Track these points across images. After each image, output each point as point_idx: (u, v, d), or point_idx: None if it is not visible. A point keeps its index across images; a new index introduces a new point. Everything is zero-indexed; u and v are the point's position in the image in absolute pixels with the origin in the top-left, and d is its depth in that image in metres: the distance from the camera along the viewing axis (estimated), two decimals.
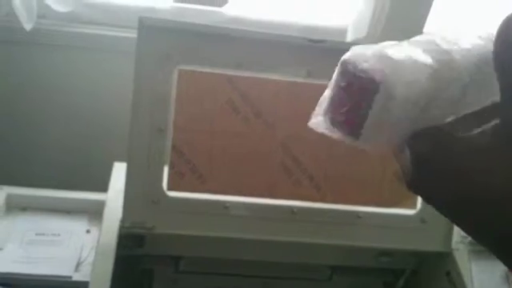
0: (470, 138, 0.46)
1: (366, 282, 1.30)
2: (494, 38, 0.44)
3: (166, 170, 1.09)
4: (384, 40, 0.48)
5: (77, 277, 1.10)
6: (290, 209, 1.13)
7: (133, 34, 1.07)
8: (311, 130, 0.48)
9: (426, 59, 0.46)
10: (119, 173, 1.18)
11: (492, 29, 0.48)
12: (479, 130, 0.50)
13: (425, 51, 0.46)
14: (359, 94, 0.45)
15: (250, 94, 1.10)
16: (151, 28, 1.03)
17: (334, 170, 1.15)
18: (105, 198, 1.17)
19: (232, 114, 1.10)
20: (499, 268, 0.45)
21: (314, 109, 0.48)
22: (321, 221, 1.14)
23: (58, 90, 1.58)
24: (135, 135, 1.06)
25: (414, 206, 1.17)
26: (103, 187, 1.20)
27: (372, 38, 1.40)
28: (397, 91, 0.43)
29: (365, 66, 0.45)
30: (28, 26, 1.42)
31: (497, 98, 0.48)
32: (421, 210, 1.16)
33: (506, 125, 0.45)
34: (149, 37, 1.03)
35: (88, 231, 1.21)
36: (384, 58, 0.45)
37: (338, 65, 0.46)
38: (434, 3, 1.43)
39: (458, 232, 1.20)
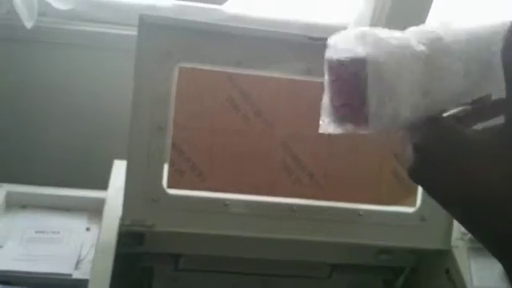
0: (471, 135, 0.47)
1: (366, 279, 1.30)
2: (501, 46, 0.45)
3: (166, 167, 1.09)
4: None
5: (77, 274, 1.10)
6: (290, 206, 1.13)
7: (134, 32, 1.07)
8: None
9: (411, 38, 0.46)
10: (119, 170, 1.18)
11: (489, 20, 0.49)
12: (479, 127, 0.50)
13: (414, 37, 0.46)
14: (351, 79, 0.45)
15: (250, 91, 1.10)
16: (152, 26, 1.03)
17: (334, 168, 1.16)
18: (105, 195, 1.17)
19: (232, 112, 1.10)
20: (498, 265, 0.45)
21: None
22: (320, 218, 1.14)
23: (59, 88, 1.58)
24: (135, 133, 1.06)
25: (413, 203, 1.17)
26: (103, 185, 1.20)
27: None
28: (383, 58, 0.44)
29: (346, 48, 0.45)
30: (29, 24, 1.42)
31: (496, 90, 0.49)
32: (420, 208, 1.16)
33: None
34: (149, 34, 1.03)
35: (88, 229, 1.22)
36: (363, 35, 0.45)
37: (325, 64, 0.47)
38: (434, 1, 1.43)
39: (457, 230, 1.21)
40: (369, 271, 1.29)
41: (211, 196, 1.11)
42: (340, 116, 0.47)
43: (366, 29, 0.45)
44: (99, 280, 1.02)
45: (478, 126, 0.53)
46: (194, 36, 1.05)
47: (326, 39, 0.48)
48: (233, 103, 1.10)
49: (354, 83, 0.45)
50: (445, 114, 0.51)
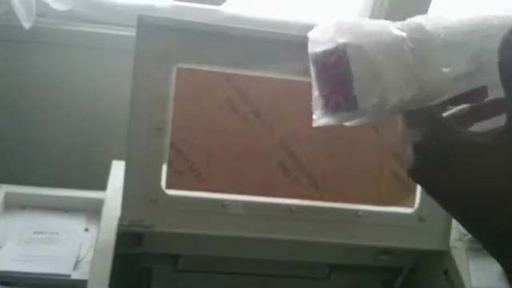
0: (471, 136, 0.47)
1: (365, 280, 1.30)
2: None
3: (164, 168, 1.09)
4: None
5: (75, 275, 1.10)
6: (289, 207, 1.13)
7: (132, 33, 1.07)
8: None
9: (389, 25, 0.46)
10: (118, 171, 1.18)
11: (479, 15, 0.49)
12: (474, 127, 0.50)
13: (393, 24, 0.47)
14: (335, 67, 0.45)
15: (248, 92, 1.10)
16: (150, 26, 1.03)
17: (332, 168, 1.16)
18: (103, 196, 1.17)
19: (231, 113, 1.10)
20: (497, 266, 0.45)
21: (312, 108, 0.48)
22: (319, 219, 1.15)
23: (57, 89, 1.58)
24: (134, 133, 1.06)
25: (412, 204, 1.17)
26: (102, 185, 1.20)
27: None
28: (362, 42, 0.44)
29: (326, 40, 0.46)
30: (27, 25, 1.42)
31: (489, 82, 0.49)
32: (419, 209, 1.16)
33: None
34: (148, 35, 1.03)
35: (86, 229, 1.21)
36: (340, 24, 0.46)
37: (310, 61, 0.47)
38: (432, 2, 1.44)
39: (455, 230, 1.21)
40: (367, 272, 1.30)
41: (210, 196, 1.11)
42: (331, 106, 0.47)
43: (343, 18, 0.46)
44: (98, 280, 1.02)
45: (476, 126, 0.53)
46: (192, 37, 1.05)
47: None
48: (231, 104, 1.10)
49: (338, 71, 0.45)
50: (444, 115, 0.51)
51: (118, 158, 1.21)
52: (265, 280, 1.26)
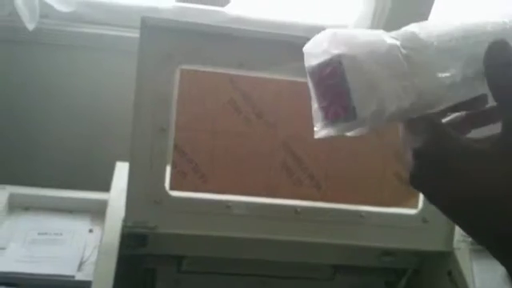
0: (470, 142, 0.47)
1: (368, 281, 1.30)
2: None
3: (168, 169, 1.09)
4: None
5: (79, 276, 1.10)
6: (293, 208, 1.13)
7: (135, 34, 1.07)
8: (312, 130, 0.49)
9: (382, 34, 0.47)
10: (121, 172, 1.18)
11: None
12: (471, 134, 0.51)
13: (386, 34, 0.47)
14: (332, 79, 0.46)
15: (251, 93, 1.10)
16: (154, 28, 1.04)
17: (335, 169, 1.16)
18: (107, 197, 1.17)
19: (234, 114, 1.10)
20: (501, 267, 0.45)
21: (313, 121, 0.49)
22: (323, 220, 1.15)
23: (61, 90, 1.59)
24: (137, 135, 1.06)
25: (415, 205, 1.17)
26: (106, 187, 1.20)
27: None
28: (356, 52, 0.45)
29: (321, 52, 0.46)
30: (30, 26, 1.42)
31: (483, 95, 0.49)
32: (422, 210, 1.16)
33: (509, 136, 0.46)
34: (151, 36, 1.04)
35: (91, 230, 1.22)
36: (333, 35, 0.46)
37: (307, 75, 0.48)
38: (434, 3, 1.44)
39: (459, 231, 1.21)
40: (371, 273, 1.30)
41: (213, 198, 1.11)
42: (330, 117, 0.47)
43: (336, 29, 0.46)
44: (102, 282, 1.02)
45: (473, 133, 0.54)
46: (195, 38, 1.05)
47: None
48: (234, 105, 1.10)
49: (334, 82, 0.46)
50: (443, 121, 0.52)
51: (122, 160, 1.22)
52: (268, 281, 1.27)
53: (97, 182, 1.23)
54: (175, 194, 1.10)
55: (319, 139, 0.50)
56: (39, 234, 1.19)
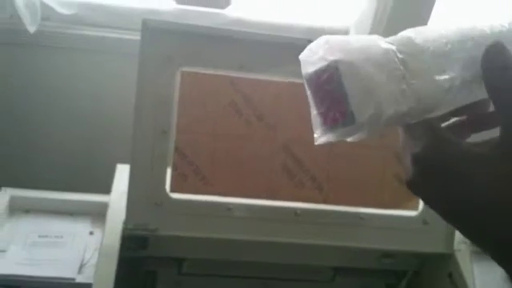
0: (469, 147, 0.47)
1: (369, 283, 1.30)
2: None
3: (169, 171, 1.09)
4: None
5: (80, 279, 1.10)
6: (293, 210, 1.14)
7: (136, 36, 1.07)
8: (313, 133, 0.49)
9: (376, 39, 0.47)
10: (122, 175, 1.19)
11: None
12: (471, 139, 0.51)
13: (381, 39, 0.47)
14: (329, 85, 0.46)
15: (252, 96, 1.10)
16: (154, 30, 1.04)
17: (336, 171, 1.16)
18: (108, 199, 1.17)
19: (235, 116, 1.10)
20: (501, 269, 0.46)
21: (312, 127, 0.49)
22: (323, 222, 1.15)
23: (62, 92, 1.59)
24: (138, 137, 1.06)
25: (415, 207, 1.17)
26: (106, 189, 1.20)
27: None
28: (352, 57, 0.45)
29: (317, 60, 0.46)
30: (32, 29, 1.42)
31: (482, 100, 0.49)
32: (423, 212, 1.16)
33: (508, 140, 0.46)
34: (152, 39, 1.04)
35: (91, 233, 1.22)
36: (328, 42, 0.46)
37: (304, 83, 0.48)
38: (435, 5, 1.44)
39: (459, 233, 1.20)
40: (371, 275, 1.30)
41: (214, 200, 1.11)
42: (329, 123, 0.47)
43: (328, 36, 0.47)
44: (103, 284, 1.02)
45: (473, 138, 0.54)
46: (196, 40, 1.06)
47: None
48: (235, 107, 1.10)
49: (331, 88, 0.46)
50: (443, 125, 0.52)
51: (123, 162, 1.22)
52: (269, 283, 1.27)
53: (97, 185, 1.23)
54: (176, 196, 1.10)
55: None
56: (40, 236, 1.19)
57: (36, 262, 1.12)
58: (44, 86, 1.58)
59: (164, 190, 1.08)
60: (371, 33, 1.44)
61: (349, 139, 0.48)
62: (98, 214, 1.23)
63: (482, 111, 0.53)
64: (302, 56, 0.48)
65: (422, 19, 1.43)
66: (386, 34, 0.49)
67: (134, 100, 1.05)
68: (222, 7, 1.57)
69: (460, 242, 1.20)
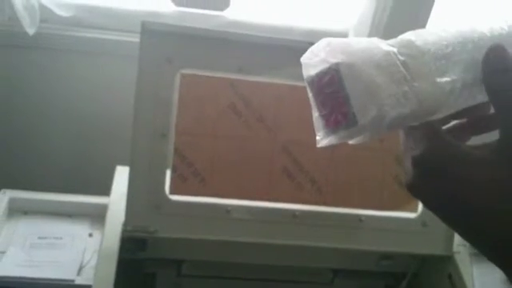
0: (469, 150, 0.47)
1: (368, 285, 1.30)
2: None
3: (168, 173, 1.09)
4: None
5: (79, 280, 1.10)
6: (292, 212, 1.14)
7: (135, 39, 1.07)
8: (312, 134, 0.49)
9: (377, 41, 0.47)
10: (121, 177, 1.19)
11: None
12: (471, 142, 0.51)
13: (381, 41, 0.47)
14: (331, 87, 0.46)
15: (251, 98, 1.10)
16: (154, 32, 1.04)
17: (336, 173, 1.16)
18: (107, 201, 1.17)
19: (234, 118, 1.10)
20: (500, 271, 0.46)
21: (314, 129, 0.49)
22: (323, 224, 1.15)
23: (61, 94, 1.59)
24: (137, 139, 1.07)
25: (415, 209, 1.17)
26: (105, 191, 1.20)
27: None
28: (353, 59, 0.45)
29: (318, 62, 0.46)
30: (31, 31, 1.42)
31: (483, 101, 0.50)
32: (422, 214, 1.17)
33: (508, 142, 0.46)
34: (151, 41, 1.04)
35: (90, 235, 1.22)
36: (329, 45, 0.46)
37: (306, 86, 0.48)
38: (433, 8, 1.44)
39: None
40: (371, 277, 1.30)
41: (213, 202, 1.11)
42: (331, 125, 0.47)
43: (330, 39, 0.47)
44: (102, 286, 1.02)
45: (473, 140, 0.54)
46: (195, 42, 1.06)
47: None
48: (234, 109, 1.10)
49: (333, 90, 0.46)
50: (443, 128, 0.52)
51: (122, 164, 1.22)
52: (268, 285, 1.27)
53: (97, 186, 1.23)
54: (175, 198, 1.10)
55: None
56: (39, 238, 1.19)
57: (35, 264, 1.12)
58: (43, 88, 1.58)
59: (163, 192, 1.08)
60: (370, 35, 1.45)
61: (351, 141, 0.48)
62: (97, 216, 1.23)
63: (482, 114, 0.53)
64: (304, 58, 0.48)
65: (420, 22, 1.43)
66: (385, 36, 0.49)
67: (134, 102, 1.05)
68: (221, 9, 1.57)
69: (459, 244, 1.21)
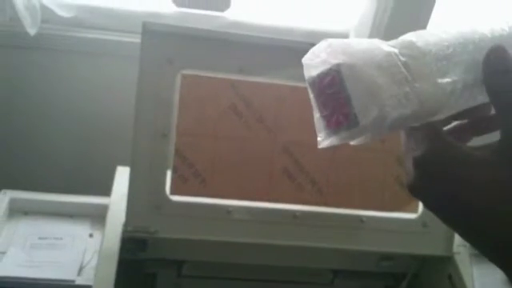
0: (470, 151, 0.47)
1: (368, 285, 1.30)
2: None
3: (168, 174, 1.09)
4: None
5: (80, 281, 1.10)
6: (293, 213, 1.14)
7: (136, 39, 1.07)
8: (313, 135, 0.49)
9: (378, 42, 0.47)
10: (122, 177, 1.19)
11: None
12: (473, 143, 0.51)
13: (382, 42, 0.47)
14: (332, 88, 0.46)
15: (252, 98, 1.10)
16: (155, 33, 1.04)
17: (336, 174, 1.16)
18: (108, 202, 1.18)
19: (235, 119, 1.10)
20: (501, 271, 0.46)
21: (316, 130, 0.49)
22: (323, 225, 1.15)
23: (62, 95, 1.59)
24: (138, 139, 1.07)
25: (415, 210, 1.18)
26: (106, 191, 1.21)
27: None
28: (354, 60, 0.45)
29: (319, 63, 0.46)
30: (32, 31, 1.43)
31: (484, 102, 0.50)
32: (422, 214, 1.17)
33: (508, 143, 0.46)
34: (152, 42, 1.04)
35: (91, 235, 1.22)
36: (330, 46, 0.47)
37: (308, 86, 0.48)
38: (434, 9, 1.44)
39: (459, 236, 1.20)
40: (371, 277, 1.30)
41: (214, 202, 1.11)
42: (333, 126, 0.47)
43: (332, 39, 0.47)
44: (102, 286, 1.02)
45: (474, 141, 0.54)
46: (196, 43, 1.06)
47: None
48: (235, 110, 1.10)
49: (334, 90, 0.46)
50: (444, 128, 0.52)
51: (123, 164, 1.22)
52: (268, 286, 1.27)
53: (97, 187, 1.23)
54: (176, 198, 1.10)
55: None
56: (39, 238, 1.19)
57: (36, 264, 1.12)
58: (44, 89, 1.58)
59: (164, 192, 1.09)
60: (371, 36, 1.45)
61: (352, 142, 0.48)
62: (97, 216, 1.23)
63: (483, 115, 0.53)
64: (305, 59, 0.48)
65: (421, 23, 1.44)
66: (386, 37, 0.49)
67: (134, 102, 1.06)
68: (222, 10, 1.57)
69: (459, 245, 1.21)
